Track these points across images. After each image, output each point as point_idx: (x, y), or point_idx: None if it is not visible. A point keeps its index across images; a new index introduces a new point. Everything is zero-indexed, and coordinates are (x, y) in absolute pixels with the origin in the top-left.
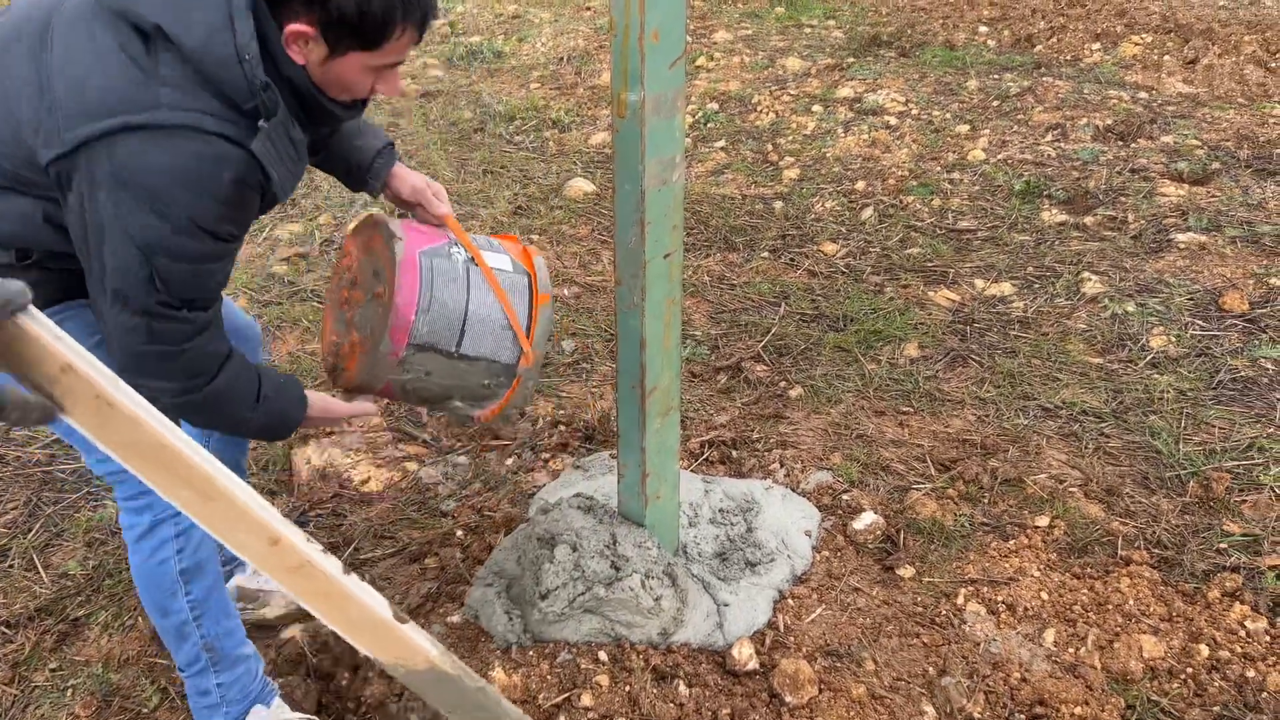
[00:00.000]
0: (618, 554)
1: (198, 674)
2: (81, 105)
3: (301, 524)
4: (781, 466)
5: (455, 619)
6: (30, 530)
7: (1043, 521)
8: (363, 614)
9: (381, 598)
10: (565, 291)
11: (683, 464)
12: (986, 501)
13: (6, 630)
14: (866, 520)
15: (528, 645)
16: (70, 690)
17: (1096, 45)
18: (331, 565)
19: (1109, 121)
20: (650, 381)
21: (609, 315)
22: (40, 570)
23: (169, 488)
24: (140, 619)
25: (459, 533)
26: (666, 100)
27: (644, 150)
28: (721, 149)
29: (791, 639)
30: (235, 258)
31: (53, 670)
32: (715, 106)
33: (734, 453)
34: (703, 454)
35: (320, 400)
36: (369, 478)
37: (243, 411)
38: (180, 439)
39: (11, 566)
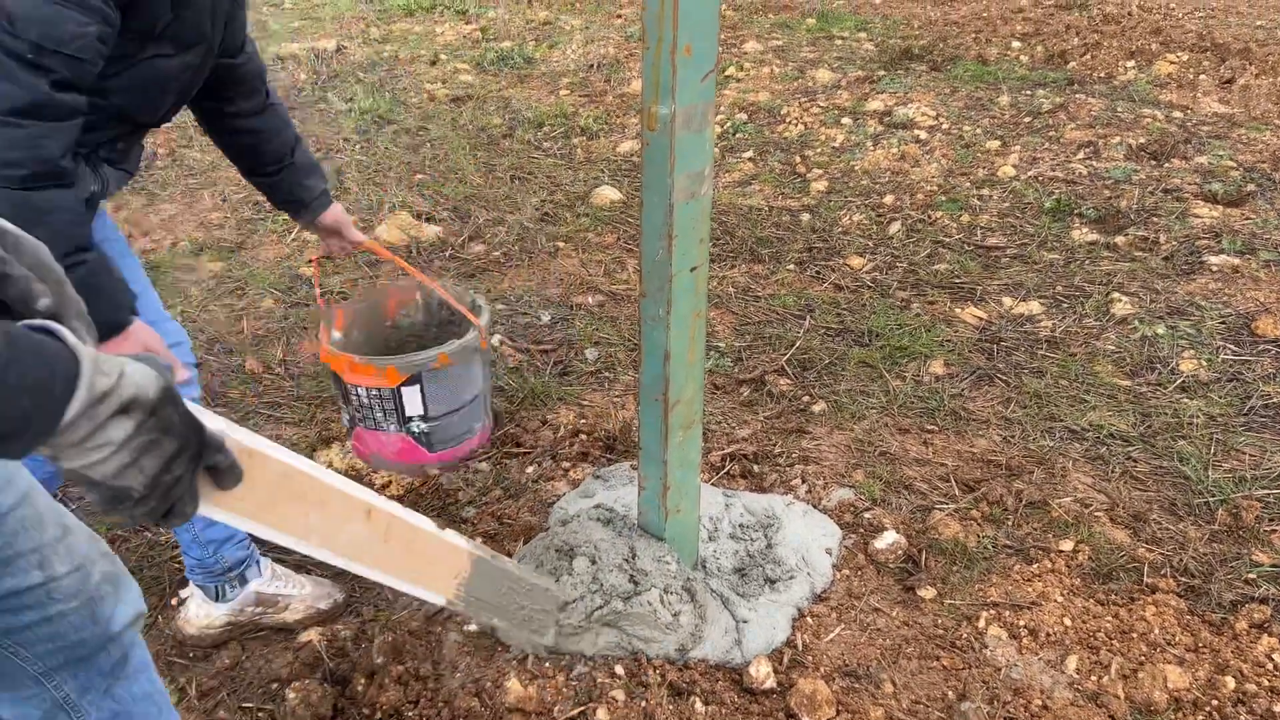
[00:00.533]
0: (636, 568)
1: None
2: None
3: None
4: (803, 482)
5: (472, 628)
6: None
7: (1067, 546)
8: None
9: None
10: (590, 299)
11: (703, 477)
12: (1010, 524)
13: None
14: (888, 539)
15: (544, 656)
16: None
17: (1131, 63)
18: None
19: (1142, 140)
20: (674, 395)
21: (632, 324)
22: None
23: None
24: (159, 617)
25: (478, 539)
26: (697, 113)
27: (673, 163)
28: (749, 159)
29: (810, 658)
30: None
31: None
32: (744, 117)
33: (755, 467)
34: (724, 467)
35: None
36: (390, 481)
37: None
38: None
39: None
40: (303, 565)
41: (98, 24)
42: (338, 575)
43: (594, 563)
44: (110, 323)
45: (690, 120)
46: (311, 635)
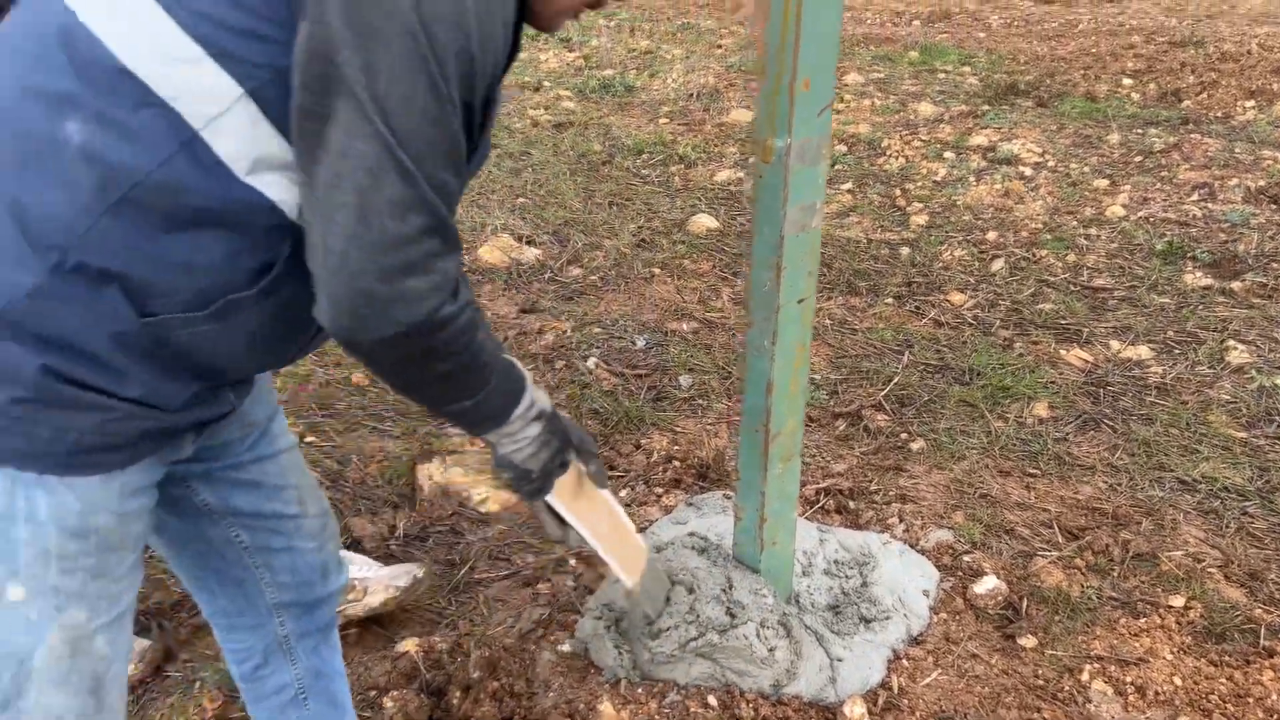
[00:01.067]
0: (733, 599)
1: None
2: None
3: (422, 539)
4: (900, 521)
5: (565, 648)
6: None
7: (1177, 601)
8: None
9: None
10: (684, 326)
11: (798, 510)
12: (1116, 575)
13: (144, 619)
14: (988, 584)
15: (636, 682)
16: (199, 683)
17: (1250, 103)
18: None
19: (1262, 183)
20: (775, 426)
21: (726, 352)
22: None
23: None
24: None
25: (571, 561)
26: (812, 147)
27: (786, 196)
28: (848, 191)
29: (905, 701)
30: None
31: (184, 662)
32: (844, 149)
33: (851, 503)
34: (818, 501)
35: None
36: (487, 498)
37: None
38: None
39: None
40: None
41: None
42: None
43: (691, 592)
44: None
45: (805, 154)
46: (410, 646)
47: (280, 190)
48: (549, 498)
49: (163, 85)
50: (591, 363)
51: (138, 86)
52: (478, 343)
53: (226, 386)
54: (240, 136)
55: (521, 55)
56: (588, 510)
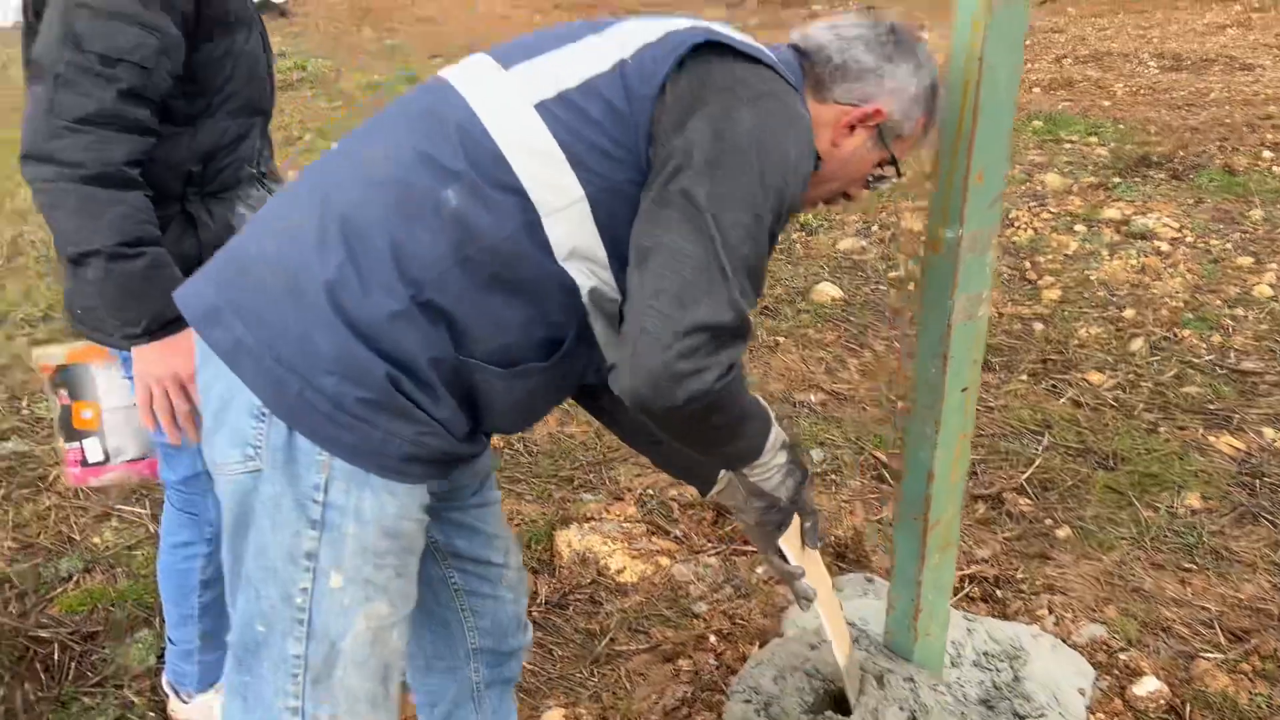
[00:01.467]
0: (919, 702)
1: (184, 653)
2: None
3: (561, 607)
4: (1050, 613)
5: None
6: None
7: None
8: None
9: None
10: (812, 398)
11: None
12: None
13: None
14: (1149, 686)
15: None
16: None
17: None
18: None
19: None
20: (934, 515)
21: (857, 426)
22: None
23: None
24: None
25: (711, 637)
26: (983, 237)
27: (955, 285)
28: None
29: None
30: None
31: None
32: None
33: (997, 591)
34: (962, 589)
35: None
36: (624, 568)
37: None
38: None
39: None
40: None
41: (157, 37)
42: None
43: (881, 686)
44: (160, 318)
45: (975, 244)
46: (555, 717)
47: (583, 277)
48: (781, 542)
49: (525, 174)
50: None
51: (507, 172)
52: (742, 396)
53: (485, 432)
54: (569, 228)
55: None
56: (811, 565)
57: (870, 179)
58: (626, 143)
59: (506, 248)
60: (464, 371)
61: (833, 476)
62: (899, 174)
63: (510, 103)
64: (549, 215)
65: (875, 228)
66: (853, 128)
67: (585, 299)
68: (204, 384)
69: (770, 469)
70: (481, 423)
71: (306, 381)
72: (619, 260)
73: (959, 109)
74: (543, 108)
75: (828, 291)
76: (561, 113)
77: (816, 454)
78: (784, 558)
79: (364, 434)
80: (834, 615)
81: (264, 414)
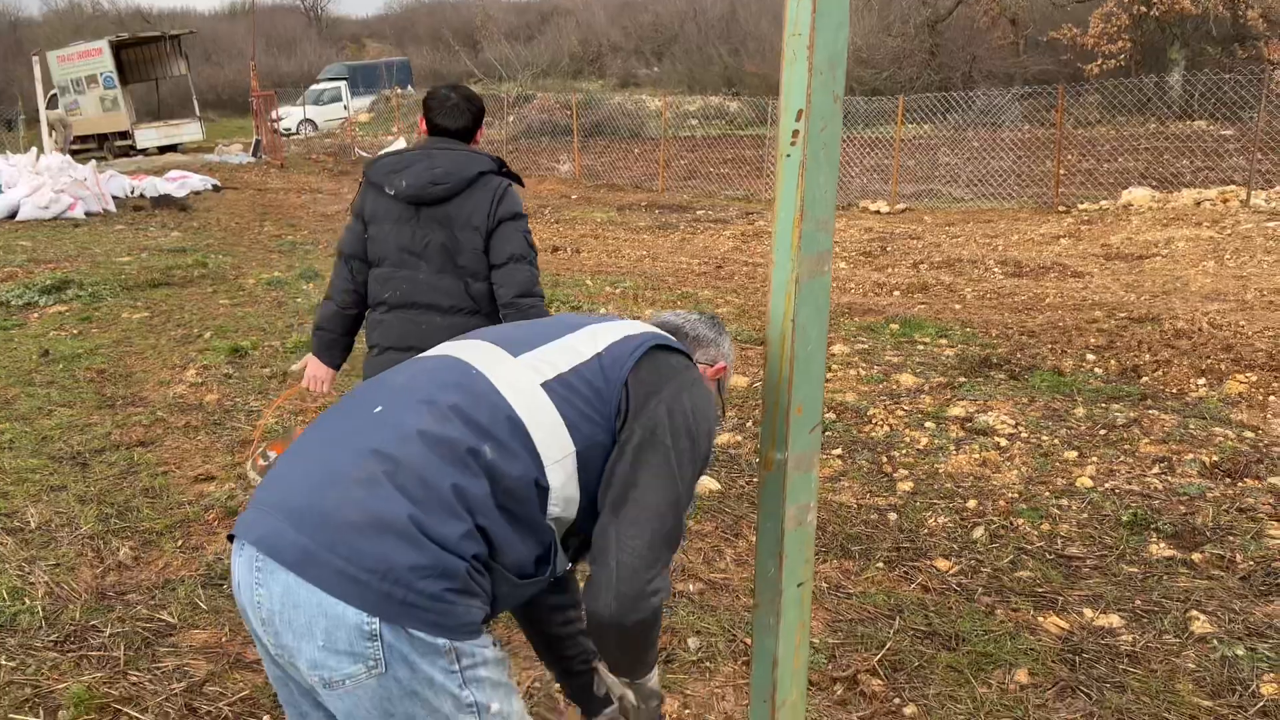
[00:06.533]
0: None
1: None
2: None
3: None
4: None
5: None
6: None
7: None
8: None
9: None
10: (690, 587)
11: None
12: None
13: None
14: None
15: None
16: None
17: (1202, 380)
18: None
19: (1215, 458)
20: (780, 697)
21: (732, 614)
22: None
23: None
24: None
25: None
26: (805, 458)
27: (785, 498)
28: (838, 456)
29: None
30: None
31: None
32: (833, 416)
33: None
34: None
35: None
36: None
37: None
38: None
39: None
40: None
41: None
42: None
43: None
44: None
45: (800, 463)
46: None
47: (557, 513)
48: None
49: (536, 434)
50: None
51: (524, 434)
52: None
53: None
54: (562, 476)
55: None
56: None
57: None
58: (603, 411)
59: (520, 488)
60: (495, 574)
61: (707, 664)
62: (723, 413)
63: (523, 384)
64: (550, 465)
65: (749, 423)
66: (713, 380)
67: (555, 531)
68: (303, 623)
69: (650, 679)
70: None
71: (409, 589)
72: (585, 496)
73: (779, 359)
74: (547, 386)
75: (707, 484)
76: (559, 389)
77: (693, 642)
78: None
79: (457, 614)
80: None
81: (374, 628)
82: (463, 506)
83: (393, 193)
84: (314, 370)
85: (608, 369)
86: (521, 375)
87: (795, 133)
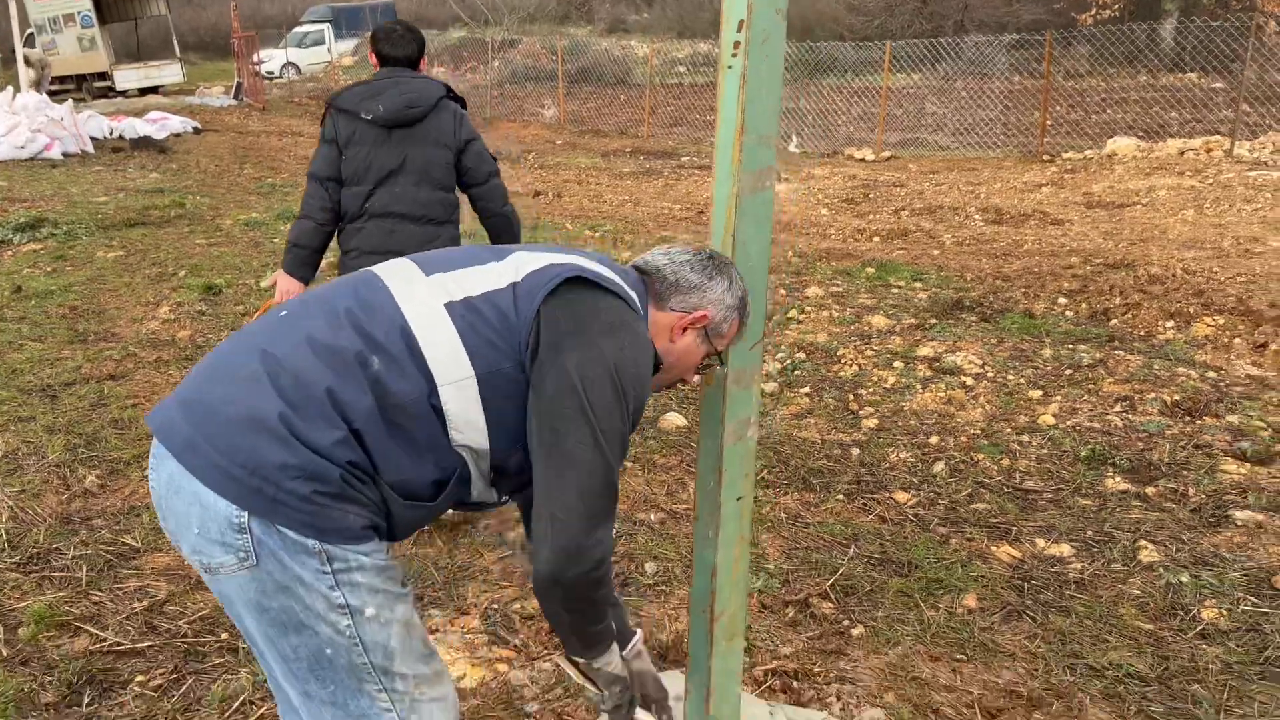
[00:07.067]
0: None
1: None
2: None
3: None
4: (838, 700)
5: None
6: (173, 696)
7: None
8: None
9: None
10: (652, 516)
11: (748, 689)
12: None
13: None
14: None
15: None
16: None
17: (1170, 323)
18: None
19: (1177, 397)
20: (719, 607)
21: (690, 542)
22: None
23: None
24: None
25: None
26: (745, 374)
27: (724, 413)
28: (806, 395)
29: None
30: None
31: None
32: (803, 356)
33: (795, 683)
34: (766, 681)
35: None
36: (464, 674)
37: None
38: None
39: None
40: None
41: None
42: None
43: None
44: None
45: (740, 379)
46: None
47: (463, 440)
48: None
49: (429, 353)
50: None
51: (417, 351)
52: (611, 584)
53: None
54: (460, 401)
55: None
56: None
57: (701, 367)
58: (510, 340)
59: (410, 405)
60: (381, 489)
61: (663, 587)
62: (722, 363)
63: (425, 302)
64: (444, 386)
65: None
66: (685, 329)
67: (468, 460)
68: (181, 509)
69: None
70: (388, 525)
71: (278, 487)
72: (496, 428)
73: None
74: (450, 307)
75: (674, 420)
76: (464, 312)
77: (650, 567)
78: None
79: (331, 517)
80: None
81: (243, 521)
82: (337, 413)
83: (369, 118)
84: (285, 285)
85: (520, 298)
86: (427, 293)
87: (736, 44)
